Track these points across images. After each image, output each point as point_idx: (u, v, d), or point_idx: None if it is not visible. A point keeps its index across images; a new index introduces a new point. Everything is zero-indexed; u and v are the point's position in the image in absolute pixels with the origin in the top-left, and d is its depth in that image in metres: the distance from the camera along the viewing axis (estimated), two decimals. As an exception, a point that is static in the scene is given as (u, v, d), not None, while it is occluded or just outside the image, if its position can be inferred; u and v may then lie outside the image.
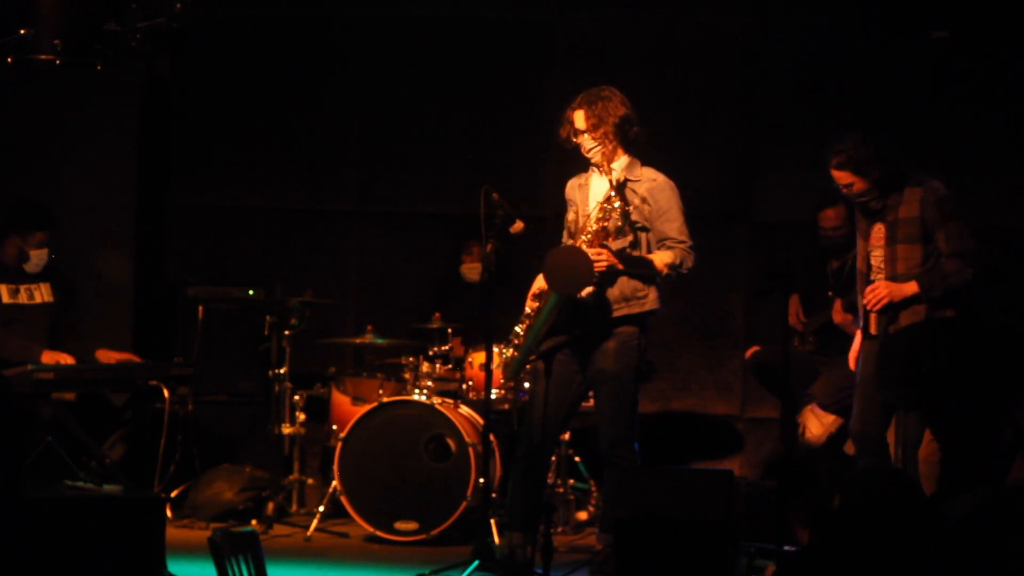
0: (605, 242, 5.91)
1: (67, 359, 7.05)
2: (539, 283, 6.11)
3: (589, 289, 5.91)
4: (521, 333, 6.10)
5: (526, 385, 6.87)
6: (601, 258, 5.85)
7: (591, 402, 6.55)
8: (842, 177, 6.06)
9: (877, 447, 6.21)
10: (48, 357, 7.01)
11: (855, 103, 7.93)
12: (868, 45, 7.81)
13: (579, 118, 6.00)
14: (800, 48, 8.09)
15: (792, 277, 7.35)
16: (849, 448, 6.75)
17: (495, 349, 6.17)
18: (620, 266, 5.92)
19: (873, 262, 6.18)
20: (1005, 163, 7.77)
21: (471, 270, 7.97)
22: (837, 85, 8.00)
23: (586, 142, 6.02)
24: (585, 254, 5.83)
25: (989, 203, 7.63)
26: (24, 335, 7.15)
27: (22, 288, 7.29)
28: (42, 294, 7.34)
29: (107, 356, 7.23)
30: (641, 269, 5.96)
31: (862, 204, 6.12)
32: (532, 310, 6.08)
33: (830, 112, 8.02)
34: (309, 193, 8.58)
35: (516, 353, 6.12)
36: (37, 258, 7.27)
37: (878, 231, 6.12)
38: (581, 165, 6.16)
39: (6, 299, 7.24)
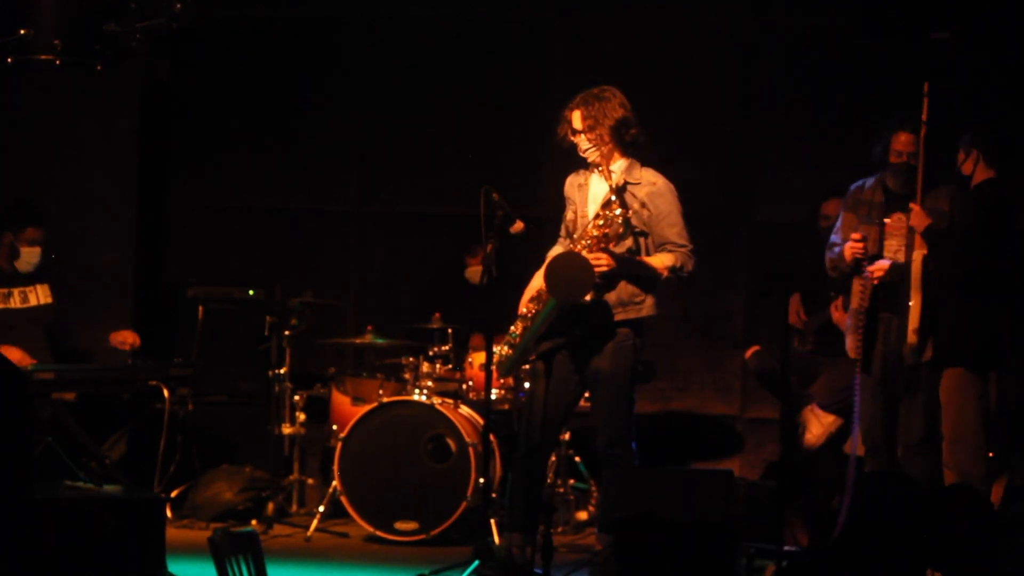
0: (606, 247, 5.91)
1: (17, 353, 6.92)
2: (535, 284, 6.10)
3: (589, 296, 5.91)
4: (517, 333, 6.09)
5: (526, 385, 6.87)
6: (601, 262, 5.84)
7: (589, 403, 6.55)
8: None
9: (884, 444, 6.29)
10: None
11: (855, 103, 7.93)
12: (868, 45, 7.81)
13: (576, 118, 6.00)
14: (800, 48, 8.10)
15: (792, 277, 7.37)
16: (848, 448, 6.75)
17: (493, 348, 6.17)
18: (620, 269, 5.92)
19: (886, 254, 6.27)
20: (1008, 165, 7.76)
21: (475, 273, 7.98)
22: (837, 85, 8.00)
23: (582, 142, 6.02)
24: (586, 260, 5.82)
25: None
26: (19, 339, 7.12)
27: (15, 291, 7.25)
28: (38, 296, 7.32)
29: (122, 336, 7.19)
30: (641, 271, 5.96)
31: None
32: (528, 311, 6.08)
33: (830, 113, 8.02)
34: (309, 193, 8.58)
35: (511, 351, 6.12)
36: (29, 255, 7.24)
37: (897, 220, 6.22)
38: (581, 163, 6.16)
39: None
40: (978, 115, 6.84)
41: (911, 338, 6.20)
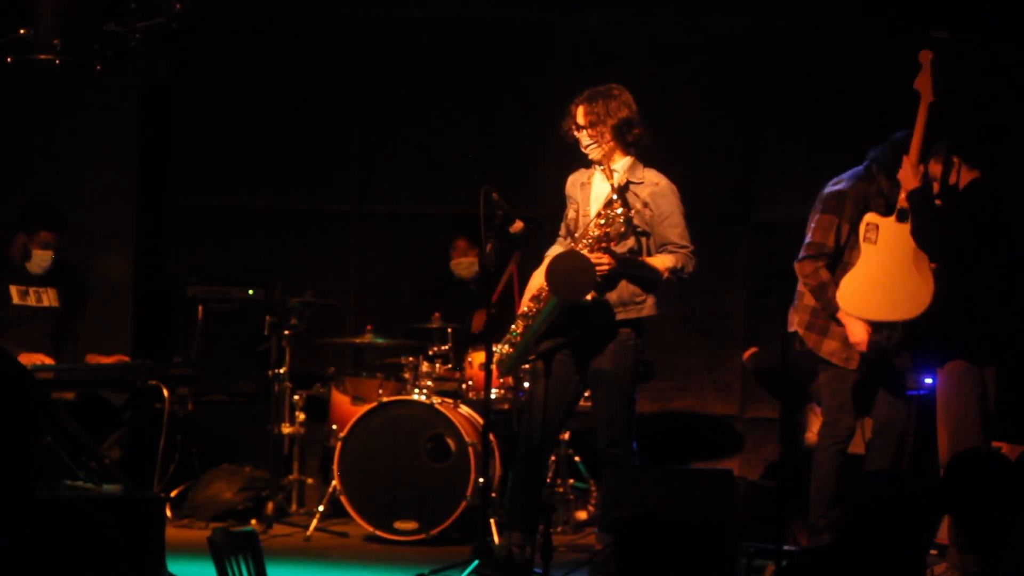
0: (607, 246, 5.91)
1: (46, 362, 7.03)
2: (536, 282, 6.10)
3: (591, 295, 5.92)
4: (518, 332, 6.09)
5: (526, 385, 6.86)
6: (603, 262, 5.84)
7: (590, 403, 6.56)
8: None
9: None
10: (25, 359, 6.99)
11: (855, 103, 7.93)
12: (868, 45, 7.82)
13: (580, 114, 6.01)
14: (800, 48, 8.10)
15: (792, 277, 7.35)
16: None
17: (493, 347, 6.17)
18: (621, 269, 5.92)
19: None
20: (1005, 164, 7.76)
21: (459, 265, 7.98)
22: (837, 85, 8.01)
23: (584, 138, 6.02)
24: (587, 260, 5.82)
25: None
26: (28, 337, 7.15)
27: (31, 291, 7.30)
28: (49, 298, 7.35)
29: (96, 361, 7.22)
30: (642, 271, 5.96)
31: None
32: (530, 309, 6.07)
33: (830, 112, 8.03)
34: (309, 193, 8.58)
35: (512, 350, 6.12)
36: (40, 258, 7.28)
37: None
38: (582, 163, 6.16)
39: (16, 300, 7.25)
40: (949, 122, 6.83)
41: (836, 295, 6.23)
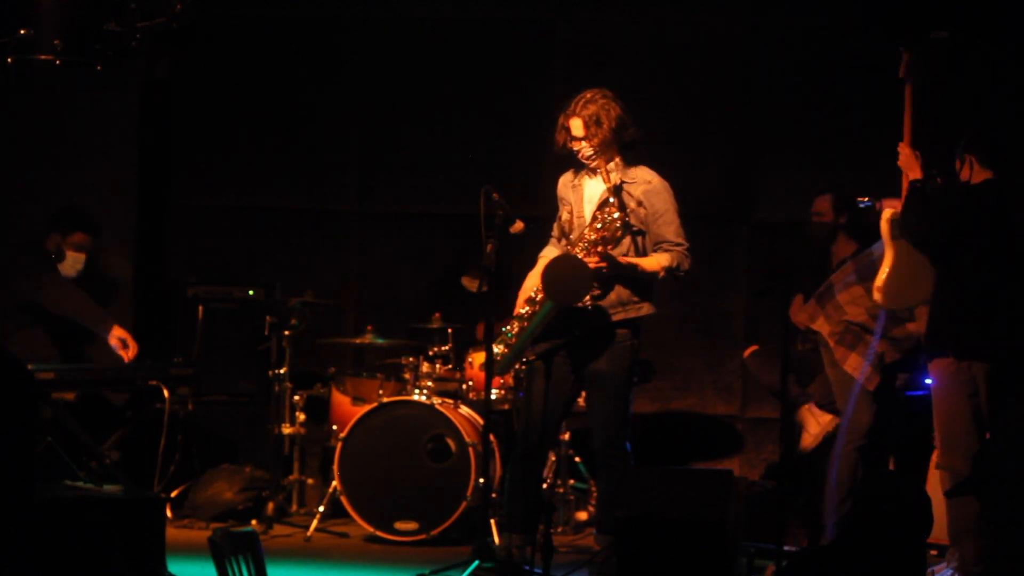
0: (603, 249, 5.90)
1: (128, 338, 7.00)
2: (531, 284, 6.10)
3: (588, 299, 5.92)
4: (513, 333, 6.09)
5: (527, 386, 6.87)
6: (600, 265, 5.84)
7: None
8: None
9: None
10: (118, 332, 6.99)
11: (855, 103, 7.93)
12: (868, 45, 7.81)
13: (576, 126, 5.98)
14: (800, 48, 8.10)
15: (792, 277, 7.36)
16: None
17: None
18: (616, 272, 5.92)
19: None
20: (1004, 164, 7.76)
21: (471, 283, 7.97)
22: (837, 85, 8.00)
23: (584, 149, 6.01)
24: (583, 264, 5.82)
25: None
26: (43, 333, 7.15)
27: None
28: None
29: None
30: (638, 273, 5.96)
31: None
32: (526, 311, 6.07)
33: (829, 112, 8.02)
34: (309, 193, 8.58)
35: (507, 351, 6.12)
36: (74, 260, 7.27)
37: None
38: (578, 163, 6.15)
39: None
40: (972, 120, 6.83)
41: (876, 295, 6.30)
